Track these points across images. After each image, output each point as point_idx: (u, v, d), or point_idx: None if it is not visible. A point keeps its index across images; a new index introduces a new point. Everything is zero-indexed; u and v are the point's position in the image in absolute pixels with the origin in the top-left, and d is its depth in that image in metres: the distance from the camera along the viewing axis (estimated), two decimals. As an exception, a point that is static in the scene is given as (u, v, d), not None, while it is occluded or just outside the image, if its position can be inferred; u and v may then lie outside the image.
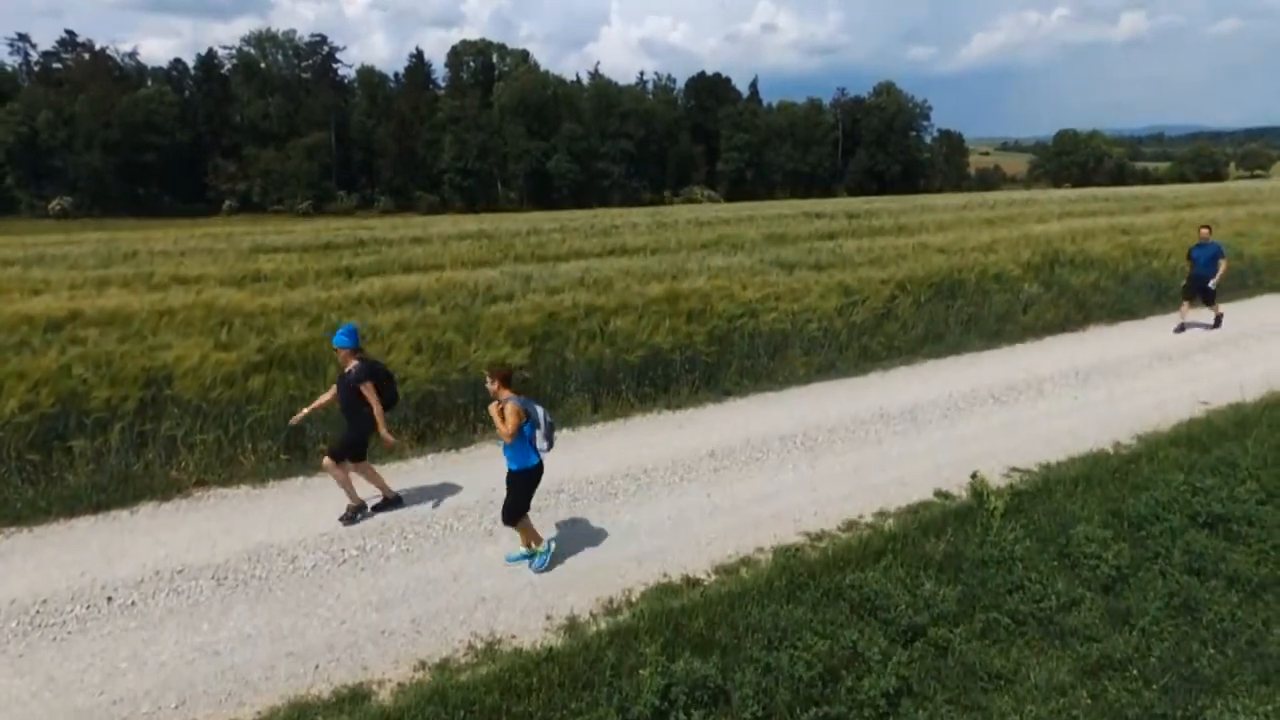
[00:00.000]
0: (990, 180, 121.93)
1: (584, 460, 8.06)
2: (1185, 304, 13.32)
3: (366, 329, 9.18)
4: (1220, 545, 5.88)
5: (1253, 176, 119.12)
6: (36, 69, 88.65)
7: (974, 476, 6.74)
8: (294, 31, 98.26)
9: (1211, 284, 12.98)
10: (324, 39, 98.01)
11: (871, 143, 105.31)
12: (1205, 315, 13.44)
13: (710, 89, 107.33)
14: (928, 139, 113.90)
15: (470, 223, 32.58)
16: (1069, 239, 16.90)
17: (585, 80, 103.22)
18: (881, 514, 6.94)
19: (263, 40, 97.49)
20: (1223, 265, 13.07)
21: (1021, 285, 13.50)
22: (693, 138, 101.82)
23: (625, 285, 12.31)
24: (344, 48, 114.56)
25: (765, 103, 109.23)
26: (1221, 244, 13.54)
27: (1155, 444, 7.98)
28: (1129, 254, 15.57)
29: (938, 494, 7.31)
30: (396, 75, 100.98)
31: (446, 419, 8.78)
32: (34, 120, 78.39)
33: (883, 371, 11.29)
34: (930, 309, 12.54)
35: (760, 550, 6.32)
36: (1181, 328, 13.26)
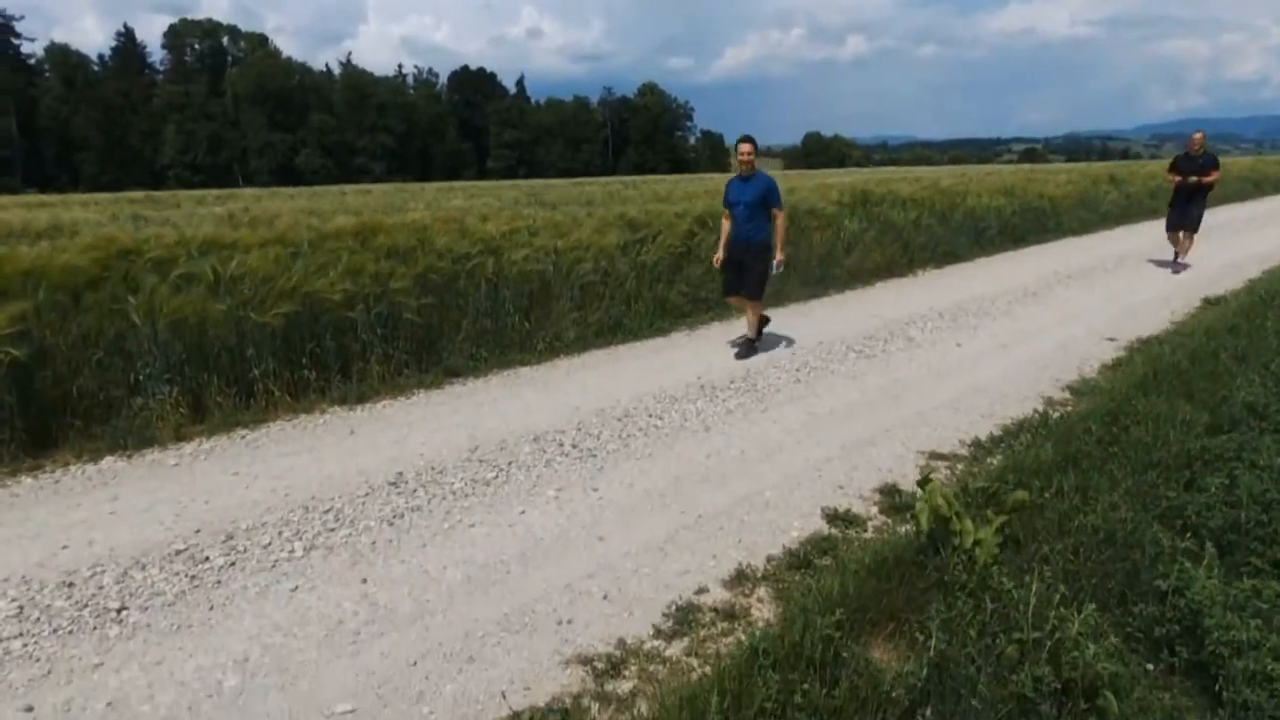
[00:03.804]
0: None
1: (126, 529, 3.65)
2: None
3: None
4: None
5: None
6: None
7: (923, 485, 3.25)
8: (-50, -4, 79.29)
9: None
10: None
11: (640, 141, 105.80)
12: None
13: (475, 84, 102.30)
14: (692, 139, 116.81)
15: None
16: (871, 184, 14.72)
17: (336, 71, 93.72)
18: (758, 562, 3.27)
19: (-97, 4, 77.66)
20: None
21: (841, 222, 10.73)
22: (460, 134, 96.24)
23: (293, 222, 7.83)
24: (22, 18, 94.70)
25: (534, 101, 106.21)
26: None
27: (1114, 391, 5.07)
28: (936, 194, 13.55)
29: (833, 517, 3.82)
30: (102, 57, 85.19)
31: None
32: None
33: (688, 331, 7.81)
34: (741, 249, 9.28)
35: None
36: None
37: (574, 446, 4.70)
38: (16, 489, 4.21)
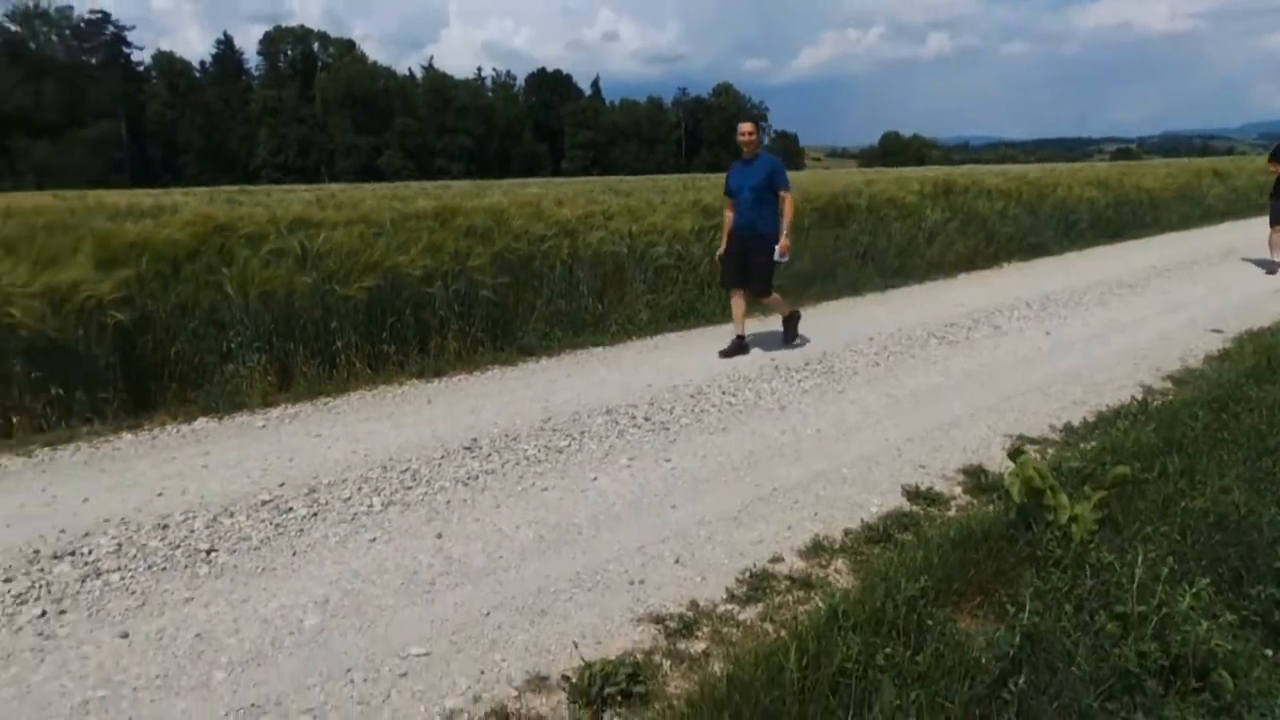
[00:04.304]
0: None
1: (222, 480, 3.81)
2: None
3: None
4: None
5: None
6: None
7: (1015, 458, 3.07)
8: (70, 8, 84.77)
9: None
10: (106, 16, 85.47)
11: (714, 141, 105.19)
12: None
13: (552, 86, 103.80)
14: (766, 139, 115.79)
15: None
16: (956, 176, 14.23)
17: (419, 75, 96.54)
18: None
19: (29, 18, 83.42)
20: None
21: (923, 212, 10.41)
22: (536, 136, 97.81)
23: (376, 205, 8.06)
24: (133, 28, 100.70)
25: (608, 102, 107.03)
26: None
27: (1221, 379, 4.73)
28: (1024, 184, 13.00)
29: (914, 494, 3.68)
30: (203, 64, 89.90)
31: None
32: None
33: (761, 316, 7.68)
34: (817, 238, 9.11)
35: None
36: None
37: (646, 419, 4.67)
38: (118, 444, 4.44)
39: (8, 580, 2.93)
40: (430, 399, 5.21)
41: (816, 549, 3.22)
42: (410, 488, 3.75)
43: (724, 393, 5.20)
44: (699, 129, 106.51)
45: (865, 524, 3.41)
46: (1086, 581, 2.57)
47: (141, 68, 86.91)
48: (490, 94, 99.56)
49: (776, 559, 3.16)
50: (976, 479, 3.85)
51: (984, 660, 2.25)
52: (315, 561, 3.10)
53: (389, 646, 2.58)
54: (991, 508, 3.36)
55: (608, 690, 2.33)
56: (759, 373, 5.66)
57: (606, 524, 3.43)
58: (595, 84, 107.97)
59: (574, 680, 2.38)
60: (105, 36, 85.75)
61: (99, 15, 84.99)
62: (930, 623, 2.42)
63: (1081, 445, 4.19)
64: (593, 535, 3.33)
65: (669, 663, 2.52)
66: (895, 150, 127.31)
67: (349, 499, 3.62)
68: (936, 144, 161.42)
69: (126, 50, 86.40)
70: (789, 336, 6.52)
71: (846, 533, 3.35)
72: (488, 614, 2.77)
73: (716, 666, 2.45)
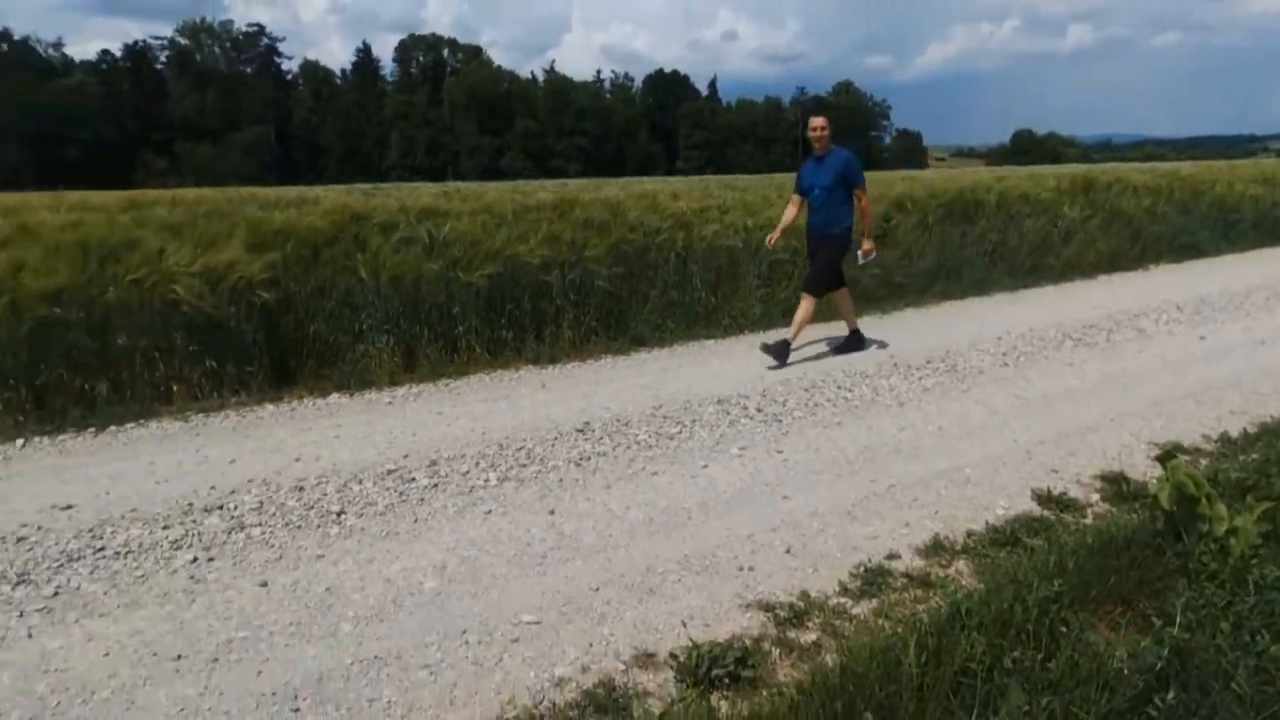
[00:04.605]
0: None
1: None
2: None
3: None
4: None
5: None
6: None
7: (1165, 462, 2.83)
8: (230, 22, 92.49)
9: None
10: (261, 29, 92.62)
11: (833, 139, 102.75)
12: None
13: (668, 87, 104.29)
14: (887, 139, 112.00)
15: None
16: (1097, 174, 13.30)
17: (540, 78, 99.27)
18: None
19: (197, 31, 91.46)
20: None
21: (1059, 209, 9.77)
22: (651, 136, 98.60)
23: (499, 197, 8.33)
24: (284, 39, 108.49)
25: (725, 102, 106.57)
26: None
27: None
28: (1175, 180, 11.98)
29: (1045, 499, 3.46)
30: (344, 71, 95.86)
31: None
32: (-59, 112, 71.75)
33: (879, 314, 7.44)
34: (942, 233, 8.73)
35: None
36: None
37: (758, 410, 4.60)
38: (261, 413, 4.78)
39: (166, 528, 3.20)
40: (544, 383, 5.33)
41: (936, 548, 3.07)
42: (525, 465, 3.84)
43: (839, 387, 5.05)
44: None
45: (991, 526, 3.22)
46: (1248, 599, 2.33)
47: (290, 76, 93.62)
48: (608, 95, 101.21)
49: (893, 555, 3.03)
50: (1117, 486, 3.57)
51: (1126, 672, 2.07)
52: (435, 529, 3.23)
53: (502, 613, 2.65)
54: (1135, 516, 3.10)
55: (715, 672, 2.30)
56: (876, 369, 5.48)
57: (716, 510, 3.39)
58: (712, 84, 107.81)
59: (681, 659, 2.37)
60: (260, 48, 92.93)
61: (255, 28, 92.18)
62: (1064, 629, 2.26)
63: (1241, 457, 3.82)
64: (702, 520, 3.30)
65: (778, 650, 2.46)
66: (1028, 148, 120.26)
67: (467, 473, 3.75)
68: (1075, 141, 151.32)
69: (278, 60, 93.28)
70: (847, 347, 6.01)
71: (969, 534, 3.18)
72: (597, 589, 2.80)
73: (828, 658, 2.38)
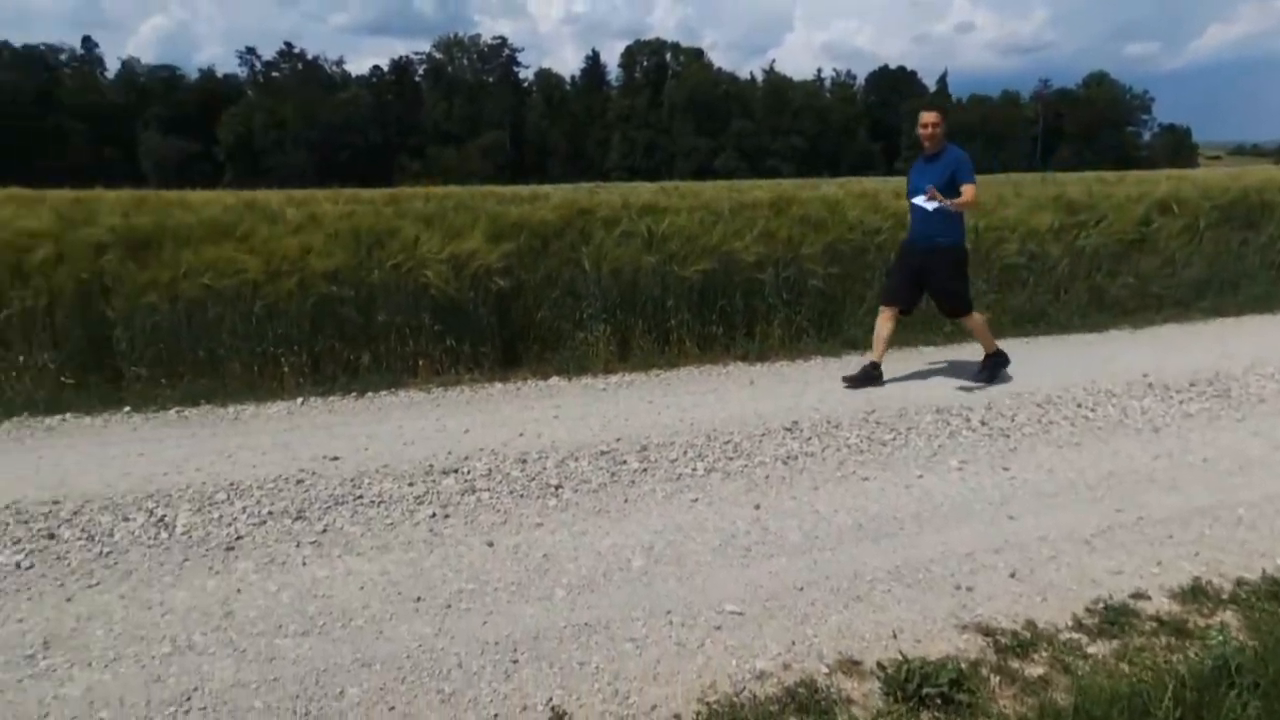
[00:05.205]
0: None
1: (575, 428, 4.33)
2: None
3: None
4: None
5: None
6: (260, 79, 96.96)
7: None
8: (478, 36, 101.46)
9: None
10: (504, 41, 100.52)
11: (1076, 136, 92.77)
12: None
13: (893, 84, 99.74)
14: (1147, 135, 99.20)
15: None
16: None
17: (759, 78, 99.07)
18: None
19: (450, 46, 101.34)
20: None
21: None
22: (871, 135, 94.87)
23: (714, 193, 8.42)
24: (523, 49, 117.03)
25: (955, 98, 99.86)
26: None
27: None
28: None
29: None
30: (573, 78, 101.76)
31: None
32: (250, 123, 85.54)
33: (1130, 329, 6.63)
34: (1215, 240, 7.61)
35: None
36: None
37: (982, 423, 4.28)
38: (490, 390, 5.21)
39: (410, 484, 3.59)
40: (753, 380, 5.33)
41: (1196, 594, 2.69)
42: (731, 458, 3.87)
43: (1079, 405, 4.58)
44: (1059, 124, 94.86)
45: (1269, 577, 2.77)
46: None
47: (525, 84, 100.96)
48: (828, 94, 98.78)
49: (1140, 595, 2.70)
50: None
51: None
52: (643, 510, 3.34)
53: (705, 599, 2.69)
54: None
55: (927, 690, 2.18)
56: (1126, 389, 4.89)
57: (931, 523, 3.21)
58: (942, 79, 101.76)
59: (890, 671, 2.27)
60: (502, 59, 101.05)
61: (499, 40, 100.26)
62: (1370, 707, 1.89)
63: None
64: (915, 532, 3.14)
65: (997, 678, 2.28)
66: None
67: (675, 460, 3.84)
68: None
69: (516, 69, 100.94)
70: (982, 375, 5.18)
71: (1240, 583, 2.76)
72: (801, 589, 2.75)
73: (1058, 695, 2.17)
